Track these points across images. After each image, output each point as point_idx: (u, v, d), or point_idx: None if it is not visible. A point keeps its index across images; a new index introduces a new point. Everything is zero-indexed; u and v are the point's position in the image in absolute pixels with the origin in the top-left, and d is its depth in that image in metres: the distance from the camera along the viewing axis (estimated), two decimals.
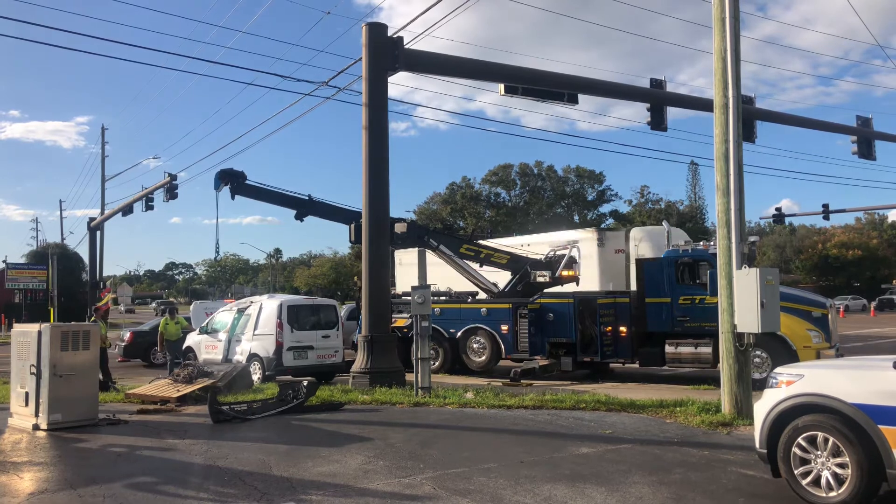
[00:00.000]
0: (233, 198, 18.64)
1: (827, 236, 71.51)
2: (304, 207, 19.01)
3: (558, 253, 19.59)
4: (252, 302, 17.78)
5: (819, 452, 5.95)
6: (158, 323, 26.17)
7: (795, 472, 6.09)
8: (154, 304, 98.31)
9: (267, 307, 16.76)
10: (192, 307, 27.33)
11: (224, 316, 18.18)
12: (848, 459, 5.74)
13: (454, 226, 60.43)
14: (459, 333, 18.07)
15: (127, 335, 23.83)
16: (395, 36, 15.14)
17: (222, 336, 17.54)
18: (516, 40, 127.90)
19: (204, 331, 18.38)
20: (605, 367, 17.73)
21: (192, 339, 18.75)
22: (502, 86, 17.09)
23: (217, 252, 22.64)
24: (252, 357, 16.35)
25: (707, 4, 10.81)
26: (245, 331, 16.93)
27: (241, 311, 17.52)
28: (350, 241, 19.08)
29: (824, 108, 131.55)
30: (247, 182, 18.54)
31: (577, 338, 16.67)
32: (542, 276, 19.00)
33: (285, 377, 15.31)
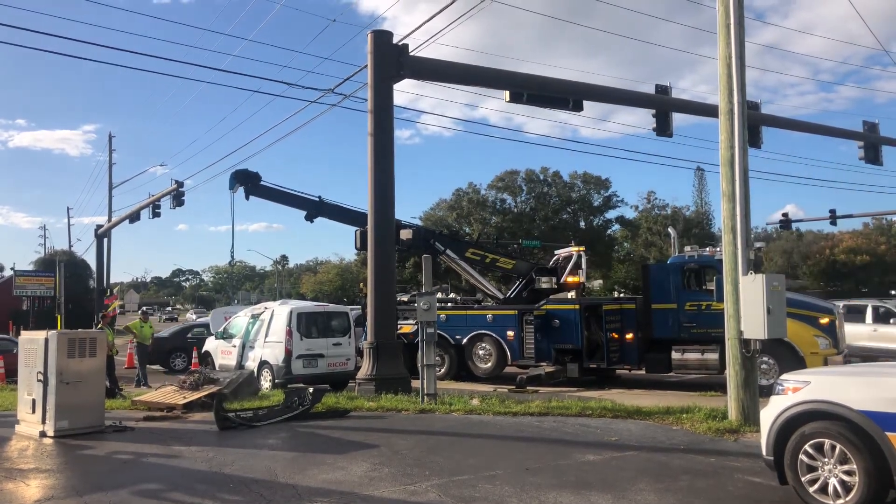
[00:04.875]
0: (247, 198, 19.01)
1: (834, 242, 71.08)
2: (315, 208, 19.29)
3: (563, 258, 19.60)
4: (266, 308, 17.77)
5: (826, 460, 5.92)
6: (178, 329, 26.41)
7: (802, 479, 6.06)
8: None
9: (278, 314, 16.71)
10: (211, 313, 27.72)
11: (239, 321, 18.20)
12: (855, 467, 5.71)
13: (460, 231, 60.43)
14: (465, 340, 18.06)
15: None
16: (400, 43, 15.20)
17: (236, 342, 17.54)
18: (518, 49, 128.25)
19: (220, 336, 18.47)
20: (612, 373, 17.69)
21: (209, 344, 19.02)
22: (507, 93, 17.10)
23: (232, 256, 23.06)
24: (263, 364, 16.34)
25: (707, 10, 10.87)
26: (258, 337, 16.92)
27: (255, 317, 17.49)
28: (356, 248, 19.26)
29: (827, 114, 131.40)
30: (261, 183, 18.83)
31: (583, 344, 16.64)
32: (548, 282, 19.02)
33: (295, 385, 15.28)
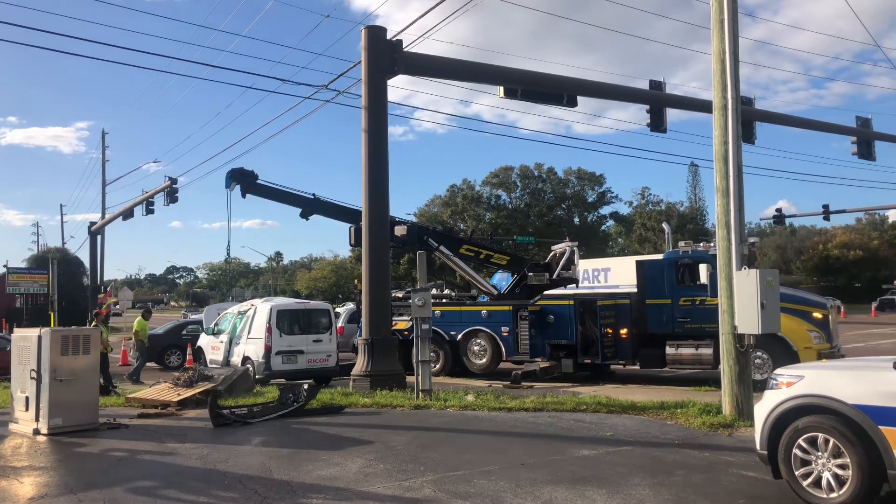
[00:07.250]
0: (244, 196, 19.07)
1: (828, 237, 71.49)
2: (310, 206, 19.33)
3: (559, 254, 19.61)
4: (252, 305, 18.01)
5: (820, 454, 5.94)
6: (173, 326, 26.34)
7: (796, 473, 6.08)
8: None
9: (260, 311, 17.02)
10: (205, 309, 27.76)
11: (228, 317, 18.59)
12: (849, 460, 5.73)
13: (455, 228, 60.43)
14: (460, 336, 18.05)
15: None
16: (394, 39, 15.15)
17: (224, 338, 17.92)
18: (510, 46, 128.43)
19: (211, 332, 18.81)
20: (606, 368, 17.70)
21: (202, 340, 19.48)
22: (502, 88, 17.09)
23: (228, 254, 23.21)
24: (245, 360, 16.68)
25: (699, 6, 10.85)
26: (242, 333, 17.25)
27: (241, 314, 17.79)
28: (350, 244, 19.28)
29: (818, 110, 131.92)
30: (257, 181, 18.88)
31: (578, 340, 16.66)
32: (541, 278, 19.03)
33: (278, 381, 15.42)
